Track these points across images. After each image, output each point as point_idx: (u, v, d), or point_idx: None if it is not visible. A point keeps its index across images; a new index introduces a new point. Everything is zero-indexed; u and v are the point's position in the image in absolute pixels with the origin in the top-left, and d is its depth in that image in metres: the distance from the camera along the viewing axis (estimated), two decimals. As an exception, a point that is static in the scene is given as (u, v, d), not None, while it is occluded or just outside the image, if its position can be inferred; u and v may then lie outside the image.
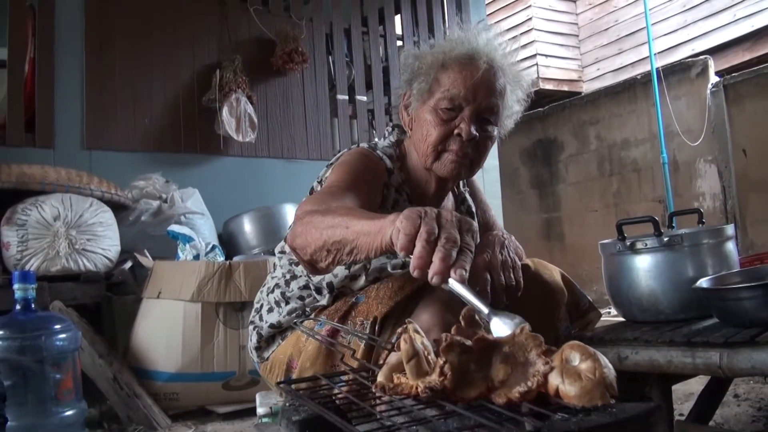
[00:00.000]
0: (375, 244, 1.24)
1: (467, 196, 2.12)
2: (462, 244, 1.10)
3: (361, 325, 1.62)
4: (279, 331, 1.90)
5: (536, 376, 0.96)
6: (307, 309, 1.86)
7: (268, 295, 1.95)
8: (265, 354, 1.93)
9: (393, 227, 1.17)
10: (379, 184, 1.79)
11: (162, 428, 3.02)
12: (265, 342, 1.93)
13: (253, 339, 1.95)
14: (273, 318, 1.89)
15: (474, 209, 2.11)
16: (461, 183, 2.10)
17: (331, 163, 1.86)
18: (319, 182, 1.86)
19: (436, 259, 1.08)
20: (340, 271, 1.78)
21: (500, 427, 0.86)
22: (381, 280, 1.73)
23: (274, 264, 2.01)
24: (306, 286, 1.86)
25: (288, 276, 1.91)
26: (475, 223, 1.17)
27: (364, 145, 1.90)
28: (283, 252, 1.96)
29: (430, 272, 1.08)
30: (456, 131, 1.73)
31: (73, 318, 3.16)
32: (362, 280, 1.80)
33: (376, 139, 2.01)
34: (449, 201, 2.04)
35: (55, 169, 3.74)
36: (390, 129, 1.98)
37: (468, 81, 1.71)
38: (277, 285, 1.93)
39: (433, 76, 1.76)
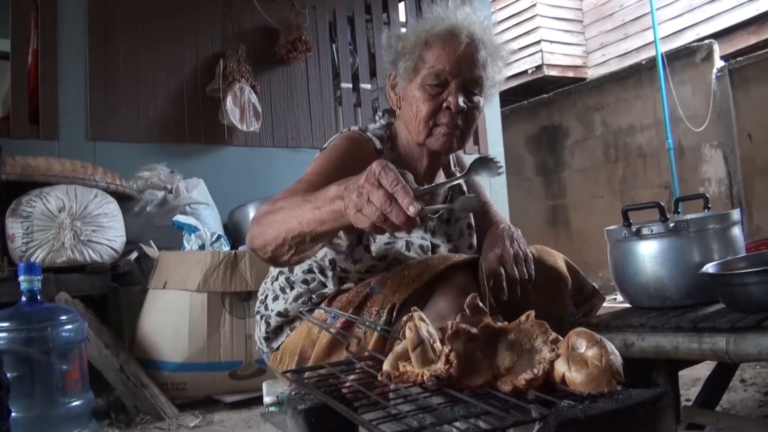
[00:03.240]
0: (336, 227, 1.36)
1: (461, 181, 2.08)
2: (392, 190, 1.20)
3: (377, 315, 1.62)
4: (287, 320, 1.90)
5: (542, 363, 0.96)
6: (313, 296, 1.86)
7: (272, 283, 1.96)
8: (274, 344, 1.92)
9: (349, 212, 1.27)
10: (365, 167, 1.80)
11: (169, 418, 3.03)
12: (273, 332, 1.92)
13: (261, 328, 1.94)
14: (279, 306, 1.89)
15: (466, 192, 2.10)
16: (452, 163, 2.11)
17: (325, 147, 1.88)
18: None
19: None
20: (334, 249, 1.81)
21: (506, 414, 0.86)
22: (395, 268, 1.73)
23: None
24: (310, 270, 1.86)
25: None
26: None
27: (354, 128, 1.94)
28: None
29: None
30: (444, 104, 1.77)
31: (79, 309, 3.17)
32: (363, 263, 1.81)
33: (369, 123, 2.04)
34: (440, 178, 2.03)
35: (59, 160, 3.74)
36: (380, 114, 2.01)
37: (451, 56, 1.76)
38: (280, 272, 1.93)
39: (418, 54, 1.80)
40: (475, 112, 1.83)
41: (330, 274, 1.82)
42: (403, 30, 1.89)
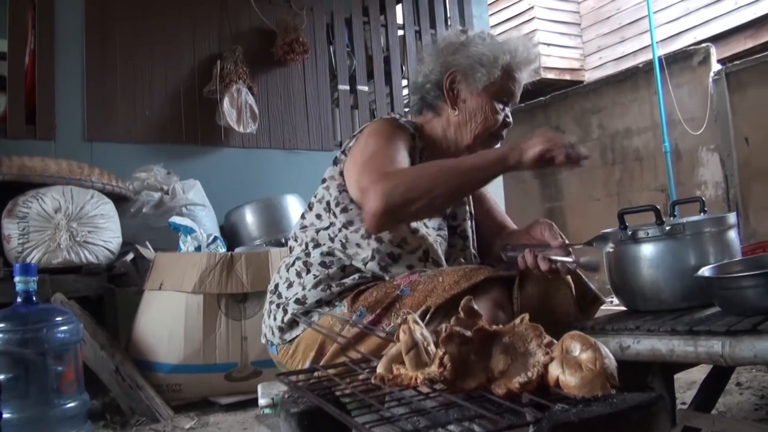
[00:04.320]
0: (497, 171, 1.73)
1: None
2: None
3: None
4: (304, 310, 1.85)
5: (536, 367, 0.95)
6: (332, 285, 1.83)
7: (287, 270, 1.94)
8: (287, 335, 1.87)
9: (517, 150, 1.69)
10: (409, 147, 1.94)
11: (164, 420, 3.02)
12: (289, 324, 1.87)
13: (278, 317, 1.89)
14: (297, 291, 1.87)
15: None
16: None
17: (356, 135, 1.99)
18: (343, 152, 1.98)
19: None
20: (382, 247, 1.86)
21: (500, 417, 0.86)
22: (425, 273, 1.76)
23: (290, 246, 2.02)
24: (329, 253, 1.88)
25: (311, 245, 1.92)
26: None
27: (385, 116, 2.09)
28: (304, 227, 1.99)
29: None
30: (506, 120, 2.03)
31: (75, 310, 3.16)
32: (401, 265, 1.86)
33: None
34: None
35: (56, 161, 3.73)
36: (405, 111, 2.14)
37: (520, 83, 2.04)
38: (297, 258, 1.93)
39: (500, 72, 1.97)
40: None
41: (366, 246, 1.86)
42: (472, 34, 2.03)
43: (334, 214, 1.92)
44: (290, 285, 1.90)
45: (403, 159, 1.82)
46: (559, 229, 1.84)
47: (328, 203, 1.95)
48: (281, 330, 1.88)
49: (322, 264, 1.87)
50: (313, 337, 1.81)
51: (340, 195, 1.92)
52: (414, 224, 1.89)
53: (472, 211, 2.14)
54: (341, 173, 1.95)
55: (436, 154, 1.99)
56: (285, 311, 1.87)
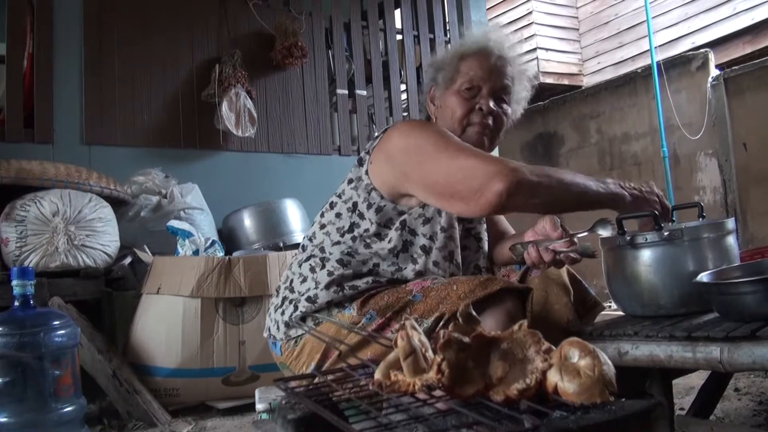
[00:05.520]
0: (602, 202, 1.78)
1: None
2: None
3: (417, 323, 1.62)
4: (313, 310, 1.82)
5: (535, 373, 0.95)
6: (345, 287, 1.81)
7: (300, 266, 1.92)
8: (292, 333, 1.85)
9: (623, 195, 1.80)
10: None
11: (162, 424, 3.02)
12: (296, 322, 1.84)
13: (286, 312, 1.86)
14: (309, 287, 1.84)
15: None
16: None
17: (379, 136, 1.99)
18: (367, 152, 1.98)
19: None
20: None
21: (498, 424, 0.86)
22: (438, 281, 1.75)
23: (303, 245, 2.01)
24: (349, 253, 1.87)
25: (329, 243, 1.91)
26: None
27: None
28: (323, 226, 1.99)
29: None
30: (477, 106, 1.98)
31: (73, 314, 3.16)
32: (411, 268, 1.88)
33: None
34: None
35: (54, 164, 3.73)
36: (404, 116, 2.16)
37: (484, 65, 2.00)
38: (312, 255, 1.91)
39: (454, 66, 2.03)
40: (503, 117, 2.03)
41: (389, 235, 1.89)
42: (442, 52, 2.09)
43: (360, 215, 1.92)
44: (304, 280, 1.87)
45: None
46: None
47: (354, 204, 1.94)
48: (287, 326, 1.86)
49: (339, 261, 1.84)
50: (318, 341, 1.80)
51: (369, 195, 1.91)
52: (444, 222, 1.92)
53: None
54: (367, 173, 1.94)
55: None
56: (296, 307, 1.84)
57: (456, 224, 1.97)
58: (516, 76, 2.06)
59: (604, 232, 1.83)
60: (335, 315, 1.79)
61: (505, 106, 2.03)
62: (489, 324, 1.54)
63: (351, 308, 1.78)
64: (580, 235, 1.81)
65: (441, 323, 1.60)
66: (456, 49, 2.08)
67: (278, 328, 1.89)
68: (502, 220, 2.33)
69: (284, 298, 1.91)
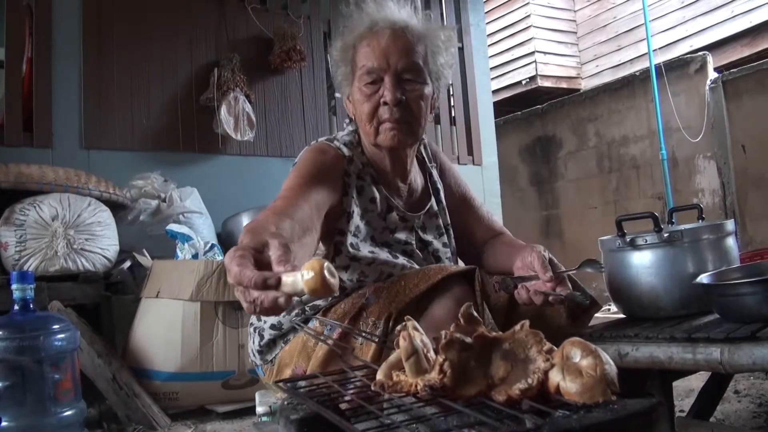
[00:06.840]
0: None
1: (437, 179, 2.12)
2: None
3: (373, 326, 1.62)
4: (280, 334, 1.87)
5: (537, 373, 0.95)
6: (307, 307, 1.84)
7: None
8: (268, 356, 1.90)
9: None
10: (335, 176, 1.84)
11: (161, 428, 3.01)
12: (267, 345, 1.89)
13: (255, 341, 1.91)
14: (272, 318, 1.87)
15: (441, 191, 2.10)
16: (427, 159, 2.12)
17: (294, 163, 1.92)
18: None
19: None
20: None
21: (501, 424, 0.86)
22: (389, 279, 1.74)
23: None
24: None
25: None
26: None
27: (322, 139, 1.98)
28: None
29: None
30: (382, 100, 1.79)
31: (72, 318, 3.16)
32: (353, 271, 1.82)
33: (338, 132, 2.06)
34: (418, 175, 2.05)
35: (53, 168, 3.73)
36: (347, 121, 2.05)
37: (377, 50, 1.78)
38: None
39: (350, 59, 1.86)
40: (419, 101, 1.82)
41: None
42: (337, 43, 1.93)
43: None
44: None
45: (311, 195, 1.67)
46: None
47: None
48: (260, 352, 1.91)
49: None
50: (289, 354, 1.82)
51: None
52: (369, 253, 1.82)
53: (448, 222, 2.07)
54: None
55: (377, 162, 1.94)
56: (261, 336, 1.89)
57: (398, 235, 1.92)
58: (423, 45, 1.83)
59: (592, 270, 1.76)
60: (299, 334, 1.80)
61: (417, 86, 1.81)
62: (438, 313, 1.54)
63: (313, 322, 1.80)
64: (568, 273, 1.73)
65: (391, 324, 1.58)
66: (345, 38, 1.87)
67: (255, 355, 1.93)
68: (487, 218, 2.18)
69: (251, 325, 1.95)
